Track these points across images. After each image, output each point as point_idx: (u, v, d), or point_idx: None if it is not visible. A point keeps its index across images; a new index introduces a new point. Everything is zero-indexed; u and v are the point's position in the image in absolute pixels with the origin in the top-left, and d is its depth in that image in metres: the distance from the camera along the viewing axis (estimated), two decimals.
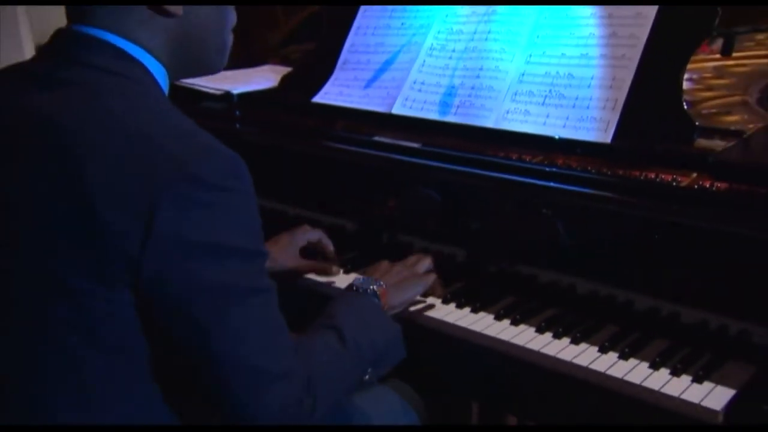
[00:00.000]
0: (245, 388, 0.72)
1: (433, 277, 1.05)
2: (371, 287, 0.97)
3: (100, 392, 0.73)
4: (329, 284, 1.15)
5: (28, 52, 3.20)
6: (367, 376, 0.89)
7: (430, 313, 1.06)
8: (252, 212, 0.75)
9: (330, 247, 1.17)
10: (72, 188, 0.68)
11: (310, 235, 1.17)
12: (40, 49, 0.80)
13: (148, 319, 0.72)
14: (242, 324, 0.72)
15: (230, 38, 0.88)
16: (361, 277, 1.01)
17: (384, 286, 0.98)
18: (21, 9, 3.10)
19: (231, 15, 0.87)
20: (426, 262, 1.08)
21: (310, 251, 1.18)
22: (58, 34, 0.78)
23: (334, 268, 1.16)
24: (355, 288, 0.98)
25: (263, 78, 1.50)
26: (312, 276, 1.16)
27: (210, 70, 0.89)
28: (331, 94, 1.32)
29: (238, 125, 1.36)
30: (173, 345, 0.73)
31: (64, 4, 0.79)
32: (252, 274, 0.74)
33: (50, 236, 0.70)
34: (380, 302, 0.96)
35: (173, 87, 1.55)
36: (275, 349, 0.75)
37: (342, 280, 1.15)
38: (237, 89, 1.42)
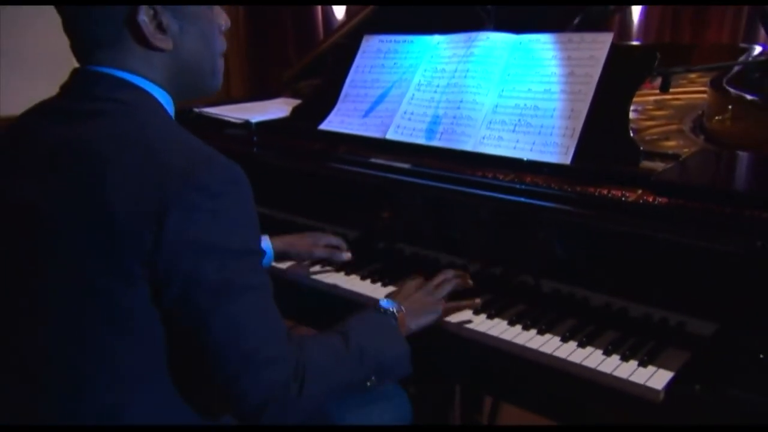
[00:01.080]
0: (237, 369, 0.71)
1: (446, 306, 1.00)
2: (391, 309, 0.93)
3: (129, 373, 0.73)
4: (336, 286, 1.15)
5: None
6: (369, 383, 0.85)
7: None
8: (249, 214, 0.74)
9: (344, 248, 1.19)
10: (94, 201, 0.69)
11: (332, 239, 1.19)
12: (62, 87, 0.80)
13: (162, 307, 0.72)
14: (237, 314, 0.71)
15: (221, 62, 0.86)
16: (386, 299, 0.96)
17: (403, 311, 0.94)
18: None
19: (218, 42, 0.85)
20: (448, 287, 1.01)
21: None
22: (75, 73, 0.79)
23: (346, 255, 1.16)
24: (377, 307, 0.94)
25: (277, 109, 1.50)
26: (332, 279, 1.17)
27: (207, 91, 0.87)
28: (335, 123, 1.32)
29: (255, 149, 1.36)
30: (180, 331, 0.73)
31: (73, 52, 0.80)
32: (248, 271, 0.73)
33: (79, 243, 0.70)
34: (397, 324, 0.92)
35: (201, 116, 1.57)
36: (266, 337, 0.73)
37: (344, 279, 1.15)
38: (255, 118, 1.41)
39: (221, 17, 0.85)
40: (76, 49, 0.79)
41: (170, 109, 0.82)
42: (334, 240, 1.19)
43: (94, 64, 0.77)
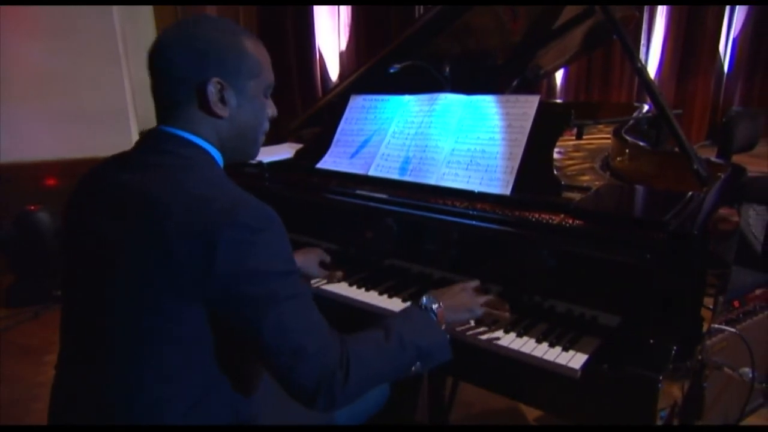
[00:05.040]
0: (289, 363, 0.69)
1: (482, 311, 0.92)
2: (432, 306, 0.87)
3: (175, 373, 0.71)
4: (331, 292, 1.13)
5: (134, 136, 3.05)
6: (413, 368, 0.81)
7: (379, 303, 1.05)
8: (282, 243, 0.73)
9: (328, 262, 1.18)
10: (156, 238, 0.68)
11: (324, 255, 1.18)
12: (137, 142, 0.80)
13: (216, 322, 0.70)
14: (283, 319, 0.69)
15: (262, 136, 0.85)
16: (427, 296, 0.89)
17: (442, 308, 0.88)
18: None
19: (264, 123, 0.84)
20: (487, 298, 0.94)
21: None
22: (150, 132, 0.79)
23: (338, 274, 1.15)
24: (420, 303, 0.88)
25: (284, 151, 1.49)
26: (329, 286, 1.14)
27: (247, 157, 0.86)
28: (329, 162, 1.32)
29: (267, 183, 1.35)
30: (236, 338, 0.71)
31: (156, 116, 0.79)
32: (287, 286, 0.71)
33: (144, 272, 0.69)
34: (436, 318, 0.87)
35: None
36: (310, 334, 0.71)
37: (342, 287, 1.14)
38: (266, 159, 1.40)
39: (271, 107, 0.85)
40: (157, 108, 0.79)
41: (221, 162, 0.80)
42: (327, 257, 1.18)
43: (166, 124, 0.77)
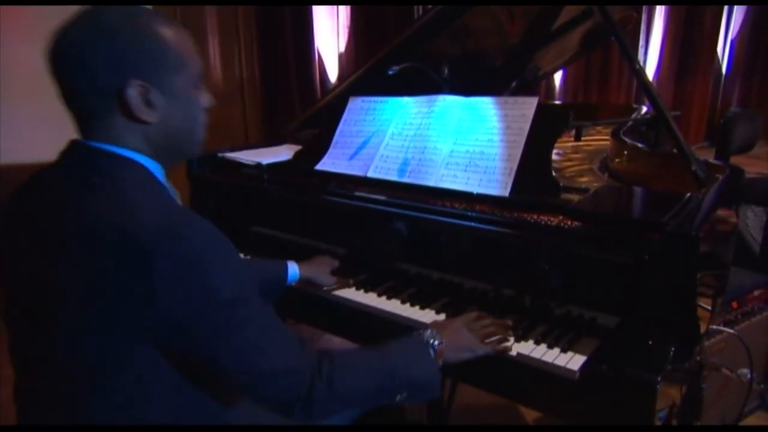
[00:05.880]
0: (255, 384, 0.66)
1: (485, 350, 0.87)
2: (433, 342, 0.82)
3: (142, 407, 0.66)
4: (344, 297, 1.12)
5: None
6: (398, 397, 0.77)
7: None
8: (227, 264, 0.64)
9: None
10: (87, 274, 0.60)
11: (333, 262, 1.16)
12: (57, 160, 0.69)
13: (171, 355, 0.64)
14: (240, 345, 0.64)
15: (201, 130, 0.74)
16: (431, 331, 0.84)
17: (443, 346, 0.82)
18: None
19: (200, 117, 0.73)
20: (492, 329, 0.89)
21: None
22: (71, 147, 0.69)
23: (351, 282, 1.14)
24: (421, 336, 0.83)
25: (283, 153, 1.48)
26: (339, 292, 1.13)
27: (189, 157, 0.77)
28: (327, 164, 1.32)
29: (266, 185, 1.34)
30: (194, 365, 0.66)
31: (75, 125, 0.69)
32: (240, 310, 0.64)
33: (82, 313, 0.61)
34: (435, 355, 0.82)
35: (223, 159, 1.54)
36: (274, 354, 0.66)
37: (342, 289, 1.13)
38: (265, 161, 1.39)
39: (204, 97, 0.73)
40: (74, 118, 0.68)
41: (158, 173, 0.71)
42: (336, 263, 1.16)
43: (87, 137, 0.67)
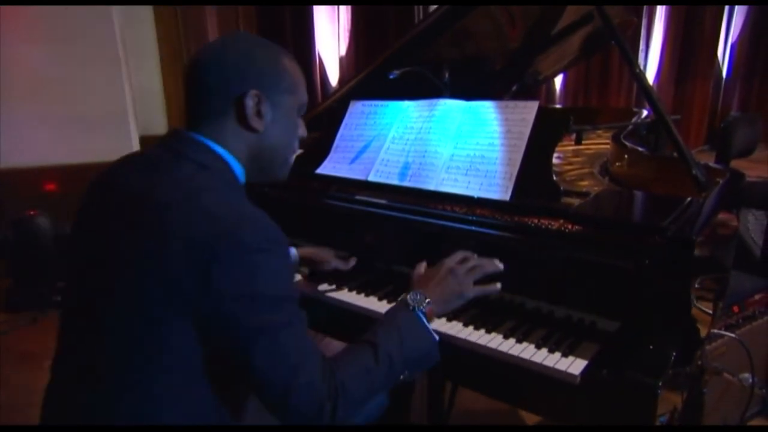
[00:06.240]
0: (278, 393, 0.67)
1: (473, 293, 0.89)
2: (420, 305, 0.83)
3: (168, 382, 0.69)
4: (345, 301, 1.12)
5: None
6: (402, 376, 0.79)
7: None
8: (283, 267, 0.70)
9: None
10: (159, 247, 0.66)
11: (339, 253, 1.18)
12: (162, 142, 0.77)
13: (207, 343, 0.68)
14: (274, 350, 0.67)
15: (292, 157, 0.84)
16: (414, 293, 0.84)
17: (431, 304, 0.84)
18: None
19: (295, 142, 0.83)
20: (479, 273, 0.89)
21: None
22: (173, 133, 0.77)
23: (351, 261, 1.15)
24: (407, 303, 0.83)
25: None
26: (340, 296, 1.13)
27: (273, 177, 0.83)
28: (328, 168, 1.32)
29: (267, 189, 1.34)
30: (225, 359, 0.69)
31: (186, 117, 0.77)
32: (282, 312, 0.68)
33: (143, 280, 0.67)
34: (424, 317, 0.82)
35: None
36: (302, 363, 0.68)
37: (341, 292, 1.13)
38: None
39: (302, 127, 0.84)
40: (188, 116, 0.77)
41: (241, 178, 0.79)
42: (341, 253, 1.18)
43: (193, 131, 0.76)
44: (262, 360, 0.66)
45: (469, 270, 0.90)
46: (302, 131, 0.84)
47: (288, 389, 0.67)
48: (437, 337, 0.83)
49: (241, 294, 0.65)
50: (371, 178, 1.23)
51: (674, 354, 0.83)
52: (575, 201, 1.02)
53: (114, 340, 0.70)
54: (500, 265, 0.91)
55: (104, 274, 0.72)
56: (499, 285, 0.91)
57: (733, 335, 1.39)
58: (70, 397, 0.75)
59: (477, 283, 0.91)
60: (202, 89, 0.76)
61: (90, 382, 0.72)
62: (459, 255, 0.92)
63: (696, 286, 0.86)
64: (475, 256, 0.93)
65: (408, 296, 0.85)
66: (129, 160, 0.79)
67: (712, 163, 1.44)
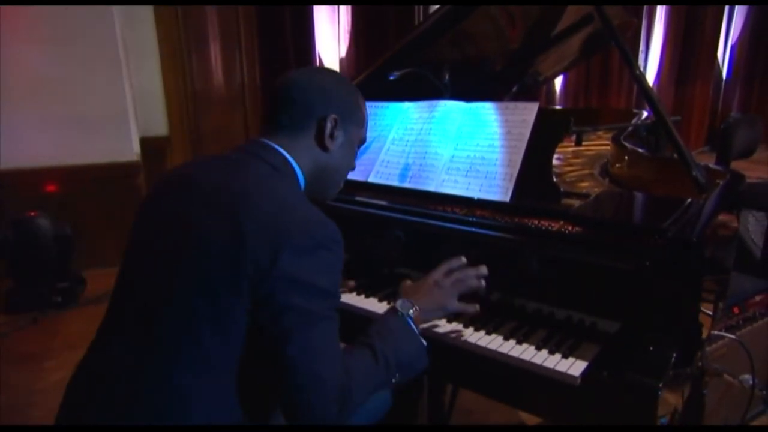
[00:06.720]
0: (299, 383, 0.70)
1: (455, 308, 0.93)
2: (409, 312, 0.87)
3: (208, 362, 0.72)
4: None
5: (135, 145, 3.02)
6: (394, 380, 0.82)
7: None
8: (339, 267, 0.77)
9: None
10: (235, 230, 0.71)
11: None
12: (239, 147, 0.84)
13: (253, 322, 0.72)
14: (312, 338, 0.70)
15: (343, 182, 0.93)
16: (402, 300, 0.89)
17: (419, 311, 0.88)
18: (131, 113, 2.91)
19: (349, 168, 0.92)
20: (463, 286, 0.93)
21: None
22: (251, 140, 0.85)
23: (351, 283, 1.16)
24: (396, 309, 0.88)
25: None
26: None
27: (325, 197, 0.92)
28: None
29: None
30: (264, 342, 0.72)
31: (261, 128, 0.86)
32: (327, 308, 0.73)
33: (213, 258, 0.72)
34: (413, 322, 0.86)
35: None
36: (329, 361, 0.72)
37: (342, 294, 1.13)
38: None
39: (354, 159, 0.94)
40: (266, 123, 0.85)
41: (303, 186, 0.86)
42: None
43: (270, 139, 0.83)
44: (297, 342, 0.70)
45: (453, 284, 0.94)
46: (354, 163, 0.94)
47: (312, 383, 0.70)
48: (425, 343, 0.87)
49: (301, 280, 0.71)
50: (371, 179, 1.24)
51: (675, 355, 0.83)
52: (575, 202, 1.02)
53: (168, 314, 0.74)
54: (485, 272, 0.94)
55: (172, 251, 0.75)
56: (477, 306, 0.94)
57: (733, 336, 1.39)
58: (109, 370, 0.76)
59: (461, 297, 0.94)
60: (290, 104, 0.84)
61: (133, 357, 0.74)
62: (444, 267, 0.95)
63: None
64: (463, 260, 0.96)
65: (397, 303, 0.89)
66: (204, 160, 0.85)
67: (712, 165, 1.44)
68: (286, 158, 0.83)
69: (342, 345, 0.77)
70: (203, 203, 0.76)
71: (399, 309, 0.88)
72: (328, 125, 0.85)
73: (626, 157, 1.36)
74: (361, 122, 0.92)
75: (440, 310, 0.93)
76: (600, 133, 1.50)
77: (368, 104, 1.34)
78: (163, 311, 0.74)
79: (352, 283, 1.15)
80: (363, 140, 0.94)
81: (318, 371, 0.70)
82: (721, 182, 1.15)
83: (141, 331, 0.76)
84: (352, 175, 1.22)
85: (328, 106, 0.85)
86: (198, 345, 0.72)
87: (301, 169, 0.84)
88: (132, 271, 0.81)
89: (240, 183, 0.76)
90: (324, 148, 0.85)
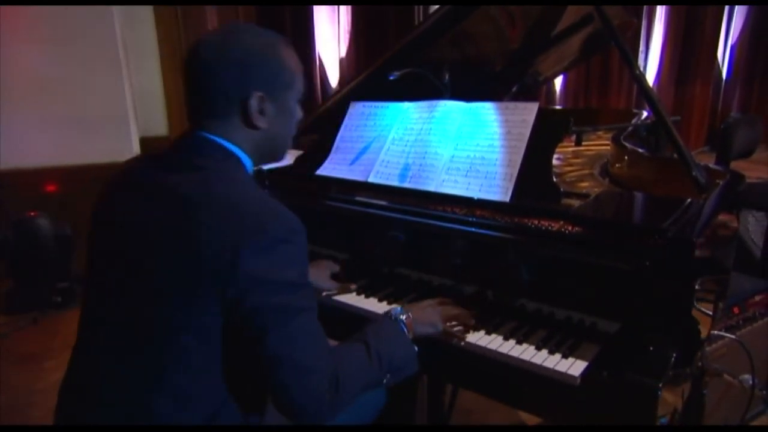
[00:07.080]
0: (288, 377, 0.70)
1: (442, 328, 0.95)
2: (402, 317, 0.90)
3: (199, 364, 0.72)
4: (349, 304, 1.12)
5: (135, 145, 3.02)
6: (385, 381, 0.83)
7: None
8: (303, 257, 0.75)
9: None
10: (185, 236, 0.70)
11: (334, 266, 1.18)
12: (173, 144, 0.81)
13: (228, 324, 0.71)
14: (289, 332, 0.70)
15: (291, 140, 0.89)
16: (399, 307, 0.94)
17: (411, 318, 0.91)
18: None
19: (294, 131, 0.88)
20: (455, 313, 0.97)
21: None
22: (187, 134, 0.80)
23: (352, 287, 1.15)
24: (390, 314, 0.91)
25: (284, 158, 1.50)
26: (341, 297, 1.13)
27: (275, 161, 0.91)
28: (328, 169, 1.32)
29: (266, 190, 1.34)
30: (243, 343, 0.71)
31: (189, 120, 0.81)
32: (299, 299, 0.72)
33: (170, 265, 0.71)
34: (406, 329, 0.89)
35: None
36: (313, 350, 0.72)
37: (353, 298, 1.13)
38: (266, 166, 1.34)
39: (299, 110, 0.88)
40: (192, 115, 0.80)
41: (250, 169, 0.83)
42: (336, 268, 1.18)
43: (203, 130, 0.79)
44: (277, 342, 0.69)
45: (449, 314, 0.97)
46: (299, 114, 0.87)
47: (298, 373, 0.70)
48: (417, 349, 0.89)
49: (265, 278, 0.69)
50: (371, 179, 1.23)
51: (674, 355, 0.83)
52: (575, 202, 1.02)
53: (146, 330, 0.73)
54: (472, 323, 0.98)
55: (133, 266, 0.74)
56: (470, 334, 0.96)
57: (733, 336, 1.39)
58: (96, 389, 0.76)
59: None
60: (205, 91, 0.78)
61: (120, 374, 0.74)
62: (439, 299, 1.00)
63: (696, 287, 0.86)
64: (456, 306, 0.99)
65: (392, 310, 0.93)
66: (147, 159, 0.83)
67: (712, 165, 1.45)
68: (225, 148, 0.78)
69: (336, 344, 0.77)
70: (154, 213, 0.74)
71: (393, 314, 0.91)
72: (253, 104, 0.77)
73: (626, 157, 1.36)
74: (290, 81, 0.82)
75: (430, 327, 0.94)
76: (600, 133, 1.50)
77: (368, 104, 1.37)
78: (140, 319, 0.73)
79: (353, 285, 1.15)
80: (301, 91, 0.85)
81: (302, 362, 0.70)
82: (721, 182, 1.15)
83: (121, 343, 0.75)
84: (352, 175, 1.27)
85: (248, 85, 0.77)
86: (179, 347, 0.71)
87: (243, 150, 0.80)
88: (101, 276, 0.79)
89: (187, 188, 0.73)
90: (256, 128, 0.80)
